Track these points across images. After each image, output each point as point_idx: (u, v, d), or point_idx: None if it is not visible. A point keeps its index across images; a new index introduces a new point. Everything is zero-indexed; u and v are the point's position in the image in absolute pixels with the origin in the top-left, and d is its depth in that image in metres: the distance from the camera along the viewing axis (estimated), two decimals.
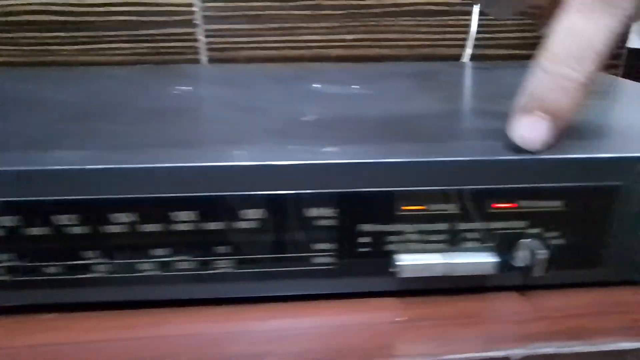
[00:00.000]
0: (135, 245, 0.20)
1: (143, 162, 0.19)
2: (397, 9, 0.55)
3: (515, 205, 0.21)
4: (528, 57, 0.55)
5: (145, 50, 0.56)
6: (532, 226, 0.22)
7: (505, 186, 0.21)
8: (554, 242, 0.22)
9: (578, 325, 0.21)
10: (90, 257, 0.20)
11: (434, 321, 0.21)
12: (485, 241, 0.21)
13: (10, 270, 0.20)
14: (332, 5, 0.54)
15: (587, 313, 0.21)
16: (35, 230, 0.20)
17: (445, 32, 0.56)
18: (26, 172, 0.19)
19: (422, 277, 0.21)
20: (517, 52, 0.56)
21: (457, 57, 0.56)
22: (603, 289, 0.23)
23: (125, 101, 0.30)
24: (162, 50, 0.56)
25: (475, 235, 0.21)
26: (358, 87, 0.35)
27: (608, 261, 0.22)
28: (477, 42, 0.55)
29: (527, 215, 0.21)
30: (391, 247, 0.21)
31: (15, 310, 0.21)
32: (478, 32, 0.54)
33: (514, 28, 0.56)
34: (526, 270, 0.22)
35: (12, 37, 0.54)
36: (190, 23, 0.55)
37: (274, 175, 0.20)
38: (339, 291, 0.22)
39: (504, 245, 0.22)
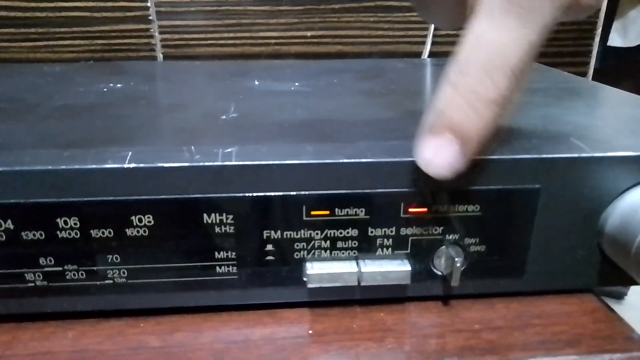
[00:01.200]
0: (16, 253, 0.19)
1: (16, 165, 0.18)
2: (357, 5, 0.54)
3: (428, 210, 0.20)
4: None
5: (99, 47, 0.54)
6: (448, 232, 0.20)
7: (419, 190, 0.19)
8: (473, 249, 0.20)
9: (496, 339, 0.20)
10: None
11: (344, 335, 0.20)
12: (400, 248, 0.20)
13: None
14: (291, 1, 0.53)
15: (507, 325, 0.20)
16: None
17: (407, 29, 0.55)
18: None
19: (332, 288, 0.20)
20: None
21: (420, 54, 0.55)
22: (526, 299, 0.21)
23: (45, 99, 0.29)
24: (116, 47, 0.54)
25: (390, 242, 0.20)
26: (298, 84, 0.34)
27: (530, 269, 0.21)
28: (437, 39, 0.54)
29: (444, 220, 0.20)
30: (299, 255, 0.20)
31: None
32: (436, 28, 0.53)
33: None
34: (442, 279, 0.21)
35: None
36: (145, 19, 0.53)
37: (157, 178, 0.18)
38: (242, 302, 0.20)
39: (421, 252, 0.20)
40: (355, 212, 0.19)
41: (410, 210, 0.20)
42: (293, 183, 0.19)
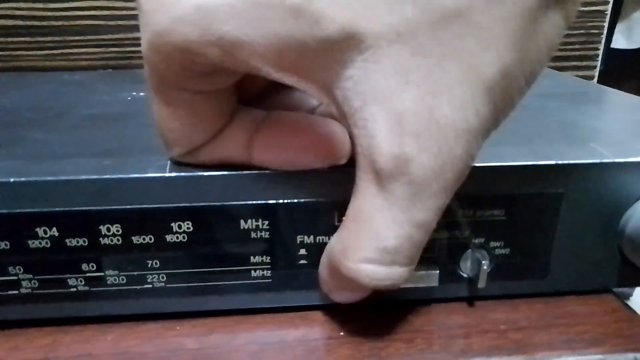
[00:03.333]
0: (59, 260, 0.19)
1: (60, 174, 0.18)
2: None
3: (455, 214, 0.20)
4: None
5: (113, 55, 0.55)
6: (475, 236, 0.21)
7: None
8: (498, 252, 0.21)
9: (522, 339, 0.20)
10: (14, 273, 0.20)
11: (374, 336, 0.20)
12: (427, 252, 0.21)
13: None
14: None
15: (532, 326, 0.21)
16: None
17: None
18: None
19: None
20: None
21: None
22: (549, 300, 0.22)
23: (71, 108, 0.29)
24: (129, 54, 0.55)
25: None
26: None
27: (553, 271, 0.22)
28: None
29: (470, 225, 0.21)
30: None
31: None
32: None
33: None
34: (468, 281, 0.21)
35: None
36: None
37: (196, 186, 0.19)
38: (276, 305, 0.21)
39: (448, 256, 0.21)
40: None
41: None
42: (325, 189, 0.20)
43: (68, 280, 0.20)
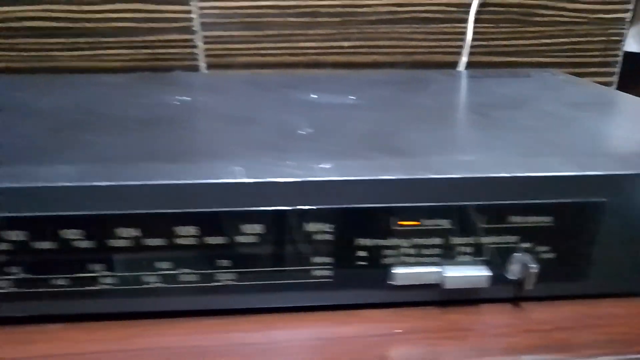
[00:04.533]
0: (138, 258, 0.21)
1: (144, 179, 0.20)
2: (393, 17, 0.56)
3: (505, 221, 0.22)
4: (521, 64, 0.55)
5: (144, 57, 0.56)
6: (523, 241, 0.22)
7: (498, 202, 0.21)
8: (544, 256, 0.23)
9: (567, 338, 0.22)
10: (95, 270, 0.21)
11: (426, 333, 0.22)
12: (478, 255, 0.22)
13: (17, 282, 0.21)
14: (329, 12, 0.55)
15: (574, 326, 0.22)
16: (39, 245, 0.20)
17: (440, 39, 0.57)
18: (29, 189, 0.20)
19: (416, 290, 0.22)
20: (510, 59, 0.57)
21: (453, 64, 0.57)
22: (589, 302, 0.23)
23: (123, 111, 0.31)
24: (160, 56, 0.56)
25: (470, 249, 0.22)
26: (354, 97, 0.36)
27: (594, 274, 0.23)
28: (472, 50, 0.56)
29: (519, 230, 0.22)
30: (387, 260, 0.22)
31: (23, 320, 0.22)
32: (473, 39, 0.55)
33: (507, 36, 0.57)
34: (517, 283, 0.23)
35: (11, 43, 0.55)
36: (189, 30, 0.55)
37: (272, 192, 0.20)
38: (336, 303, 0.23)
39: (497, 259, 0.22)
40: (440, 222, 0.22)
41: (489, 221, 0.22)
42: (384, 195, 0.21)
43: (145, 277, 0.21)
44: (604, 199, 0.22)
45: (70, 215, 0.20)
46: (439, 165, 0.22)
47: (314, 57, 0.57)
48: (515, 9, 0.55)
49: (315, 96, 0.36)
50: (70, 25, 0.55)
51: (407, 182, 0.21)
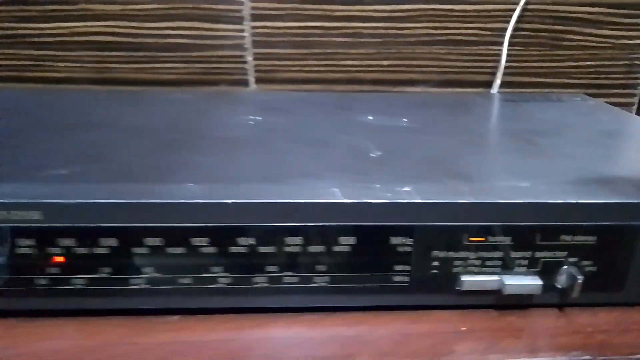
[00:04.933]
0: (252, 263, 0.25)
1: (259, 197, 0.24)
2: (430, 38, 0.60)
3: (557, 239, 0.26)
4: (549, 85, 0.59)
5: (197, 70, 0.61)
6: (570, 256, 0.26)
7: (551, 224, 0.26)
8: (588, 269, 0.27)
9: (607, 339, 0.26)
10: (215, 272, 0.25)
11: (487, 332, 0.26)
12: (533, 267, 0.26)
13: (149, 280, 0.25)
14: (370, 33, 0.59)
15: (612, 329, 0.26)
16: (171, 250, 0.25)
17: (473, 60, 0.61)
18: (165, 204, 0.24)
19: (479, 295, 0.26)
20: (539, 79, 0.61)
21: (484, 83, 0.61)
22: (625, 309, 0.28)
23: (210, 131, 0.35)
24: (212, 70, 0.61)
25: (525, 262, 0.26)
26: (406, 120, 0.40)
27: (629, 286, 0.27)
28: (504, 70, 0.60)
29: (567, 247, 0.26)
30: (457, 269, 0.26)
31: (149, 312, 0.26)
32: (507, 61, 0.59)
33: (537, 58, 0.61)
34: (564, 291, 0.27)
35: (75, 56, 0.60)
36: (240, 47, 0.60)
37: (365, 210, 0.25)
38: (411, 304, 0.27)
39: (548, 271, 0.27)
40: (502, 239, 0.26)
41: (542, 239, 0.26)
42: (456, 216, 0.25)
43: (256, 279, 0.26)
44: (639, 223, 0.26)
45: (198, 226, 0.25)
46: (502, 191, 0.26)
47: (355, 74, 0.61)
48: (545, 34, 0.59)
49: (371, 118, 0.40)
50: (131, 40, 0.59)
51: (477, 205, 0.25)
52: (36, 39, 0.59)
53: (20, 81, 0.61)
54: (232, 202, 0.24)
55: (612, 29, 0.59)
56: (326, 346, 0.25)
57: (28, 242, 0.24)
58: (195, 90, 0.60)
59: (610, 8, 0.58)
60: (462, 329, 0.26)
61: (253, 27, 0.58)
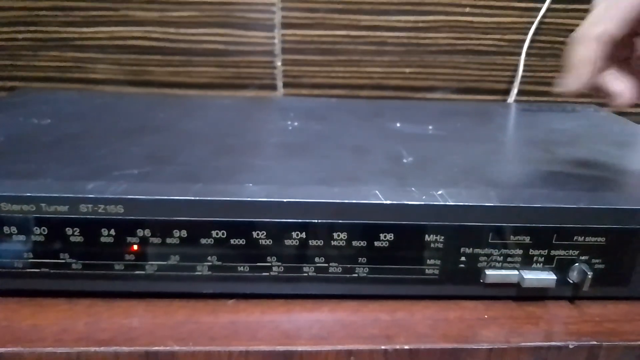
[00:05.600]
0: (302, 254, 0.29)
1: (311, 198, 0.28)
2: (451, 48, 0.63)
3: (571, 239, 0.29)
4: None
5: (228, 74, 0.65)
6: (582, 254, 0.30)
7: (566, 225, 0.29)
8: (597, 266, 0.30)
9: (615, 327, 0.29)
10: (269, 261, 0.29)
11: (508, 319, 0.30)
12: (548, 264, 0.30)
13: (213, 267, 0.29)
14: (394, 42, 0.63)
15: (619, 319, 0.30)
16: (233, 242, 0.29)
17: (491, 69, 0.64)
18: (230, 202, 0.28)
19: (500, 287, 0.30)
20: (553, 88, 0.65)
21: (501, 91, 0.65)
22: (630, 302, 0.31)
23: (257, 136, 0.39)
24: (243, 74, 0.65)
25: (542, 259, 0.30)
26: (432, 127, 0.44)
27: (634, 281, 0.31)
28: (522, 80, 0.64)
29: (579, 246, 0.30)
30: (481, 264, 0.30)
31: (206, 296, 0.30)
32: (524, 70, 0.63)
33: (551, 68, 0.64)
34: (576, 285, 0.31)
35: (115, 58, 0.63)
36: (270, 53, 0.63)
37: (403, 211, 0.28)
38: (440, 294, 0.31)
39: (562, 267, 0.30)
40: (522, 238, 0.29)
41: (557, 239, 0.30)
42: (484, 217, 0.29)
43: (305, 268, 0.30)
44: None
45: (257, 221, 0.28)
46: (523, 196, 0.29)
47: (378, 80, 0.65)
48: (560, 46, 0.63)
49: (399, 125, 0.44)
50: (168, 45, 0.63)
51: (501, 208, 0.29)
52: (78, 42, 0.63)
53: (63, 81, 0.65)
54: (288, 201, 0.28)
55: None
56: (367, 328, 0.29)
57: (110, 232, 0.28)
58: (229, 94, 0.64)
59: None
60: (486, 316, 0.30)
61: (283, 35, 0.62)
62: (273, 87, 0.65)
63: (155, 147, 0.36)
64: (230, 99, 0.54)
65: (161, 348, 0.27)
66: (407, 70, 0.64)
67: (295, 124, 0.43)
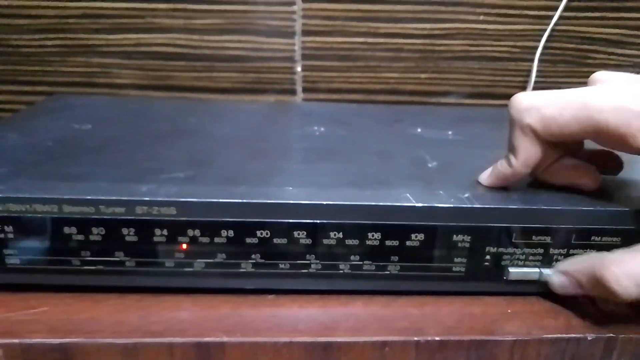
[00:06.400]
0: (338, 252, 0.31)
1: (345, 200, 0.30)
2: (465, 54, 0.66)
3: (589, 240, 0.32)
4: None
5: (249, 80, 0.67)
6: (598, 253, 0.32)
7: (583, 226, 0.31)
8: None
9: (626, 322, 0.32)
10: (309, 259, 0.32)
11: (530, 314, 0.32)
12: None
13: (255, 265, 0.31)
14: (410, 49, 0.65)
15: (633, 314, 0.32)
16: (275, 241, 0.31)
17: (505, 75, 0.67)
18: (270, 204, 0.30)
19: (523, 284, 0.32)
20: None
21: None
22: None
23: (287, 141, 0.42)
24: (264, 79, 0.67)
25: (562, 257, 0.32)
26: (451, 133, 0.46)
27: None
28: (533, 86, 0.66)
29: (596, 246, 0.32)
30: (505, 262, 0.32)
31: (250, 291, 0.32)
32: (537, 76, 0.65)
33: (563, 74, 0.66)
34: None
35: (140, 64, 0.66)
36: (291, 59, 0.66)
37: (433, 213, 0.31)
38: (466, 290, 0.33)
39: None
40: (543, 238, 0.32)
41: (576, 238, 0.32)
42: (507, 218, 0.31)
43: (341, 265, 0.32)
44: None
45: (298, 222, 0.31)
46: (543, 199, 0.32)
47: (395, 85, 0.67)
48: (572, 52, 0.65)
49: (420, 130, 0.46)
50: (191, 51, 0.65)
51: (523, 210, 0.31)
52: (105, 49, 0.65)
53: (89, 86, 0.67)
54: (326, 204, 0.30)
55: (634, 49, 0.64)
56: (399, 322, 0.31)
57: (162, 232, 0.31)
58: (250, 98, 0.67)
59: (632, 30, 0.64)
60: (509, 311, 0.32)
61: (303, 42, 0.64)
62: (293, 92, 0.67)
63: (194, 150, 0.38)
64: (255, 104, 0.56)
65: (211, 339, 0.29)
66: (423, 75, 0.67)
67: (322, 129, 0.45)
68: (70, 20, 0.64)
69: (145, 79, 0.67)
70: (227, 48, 0.65)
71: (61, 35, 0.64)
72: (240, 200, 0.30)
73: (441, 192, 0.32)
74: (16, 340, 0.29)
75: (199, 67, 0.66)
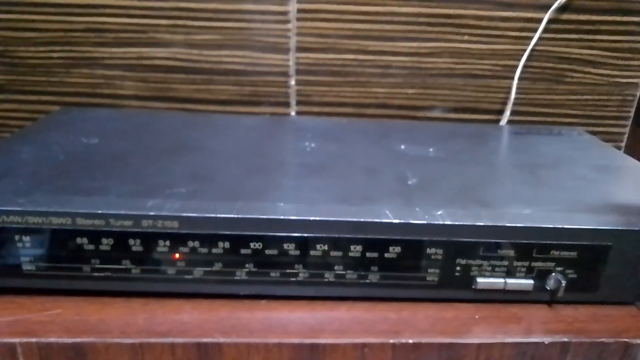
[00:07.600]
0: (324, 263, 0.35)
1: (331, 216, 0.34)
2: (450, 72, 0.69)
3: (549, 254, 0.36)
4: (552, 114, 0.68)
5: (246, 92, 0.70)
6: (557, 266, 0.36)
7: (544, 242, 0.35)
8: (570, 275, 0.36)
9: (582, 327, 0.35)
10: (297, 268, 0.35)
11: (495, 319, 0.36)
12: (529, 273, 0.36)
13: (248, 273, 0.35)
14: (399, 66, 0.69)
15: (588, 320, 0.36)
16: (267, 252, 0.35)
17: (487, 91, 0.70)
18: (261, 219, 0.34)
19: (489, 292, 0.36)
20: (543, 110, 0.71)
21: (495, 111, 0.71)
22: (598, 306, 0.37)
23: (287, 156, 0.45)
24: (259, 92, 0.71)
25: (524, 269, 0.36)
26: (432, 150, 0.50)
27: (603, 288, 0.37)
28: (514, 101, 0.70)
29: (555, 259, 0.36)
30: (473, 273, 0.36)
31: (244, 296, 0.36)
32: (516, 93, 0.69)
33: (542, 92, 0.70)
34: (552, 291, 0.37)
35: (142, 76, 0.69)
36: (285, 74, 0.69)
37: (409, 228, 0.34)
38: (439, 297, 0.37)
39: (540, 276, 0.36)
40: (507, 252, 0.35)
41: (537, 252, 0.36)
42: (476, 233, 0.35)
43: (326, 274, 0.35)
44: (609, 243, 0.36)
45: (288, 236, 0.34)
46: (510, 216, 0.35)
47: (383, 99, 0.71)
48: (550, 71, 0.69)
49: (404, 147, 0.50)
50: (191, 65, 0.69)
51: (491, 227, 0.35)
52: (108, 61, 0.68)
53: (93, 96, 0.71)
54: (313, 219, 0.34)
55: (608, 69, 0.68)
56: (379, 325, 0.35)
57: (165, 243, 0.34)
58: (246, 110, 0.70)
59: (606, 51, 0.67)
60: (476, 316, 0.36)
61: (297, 57, 0.68)
62: (287, 105, 0.71)
63: (195, 166, 0.42)
64: (252, 119, 0.59)
65: (210, 339, 0.33)
66: (410, 91, 0.70)
67: (313, 145, 0.49)
68: (76, 34, 0.67)
69: (147, 91, 0.70)
70: (225, 62, 0.69)
71: (66, 48, 0.68)
72: (236, 216, 0.34)
73: (417, 209, 0.36)
74: (33, 340, 0.32)
75: (198, 79, 0.70)
